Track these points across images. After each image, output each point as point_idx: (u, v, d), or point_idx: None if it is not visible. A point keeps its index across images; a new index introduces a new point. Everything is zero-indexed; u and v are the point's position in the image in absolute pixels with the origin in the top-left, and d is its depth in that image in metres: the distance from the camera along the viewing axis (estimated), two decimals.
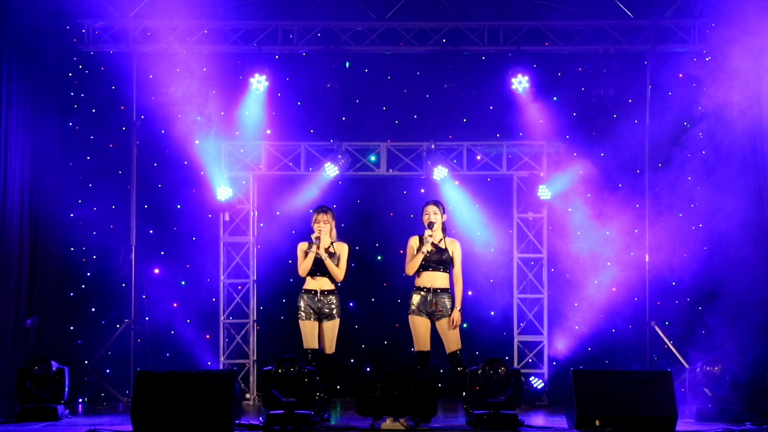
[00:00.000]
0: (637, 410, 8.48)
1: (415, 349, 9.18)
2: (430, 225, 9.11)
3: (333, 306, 9.32)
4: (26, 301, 10.96)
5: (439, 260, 9.10)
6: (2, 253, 10.58)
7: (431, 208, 9.20)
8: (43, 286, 11.44)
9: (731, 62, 10.68)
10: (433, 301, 9.08)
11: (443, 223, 9.24)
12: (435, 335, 9.16)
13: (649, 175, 12.11)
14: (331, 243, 9.44)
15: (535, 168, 12.00)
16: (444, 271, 9.14)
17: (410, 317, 9.17)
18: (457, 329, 9.07)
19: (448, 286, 9.15)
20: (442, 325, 9.10)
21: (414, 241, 9.23)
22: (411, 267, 9.16)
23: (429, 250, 9.09)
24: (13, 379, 9.85)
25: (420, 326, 9.11)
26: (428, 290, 9.11)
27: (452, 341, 9.08)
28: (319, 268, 9.32)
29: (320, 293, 9.32)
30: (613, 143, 12.01)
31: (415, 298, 9.15)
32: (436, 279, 9.12)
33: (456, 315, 9.06)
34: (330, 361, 9.37)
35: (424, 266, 9.13)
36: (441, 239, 9.17)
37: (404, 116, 12.49)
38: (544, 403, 11.63)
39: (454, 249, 9.18)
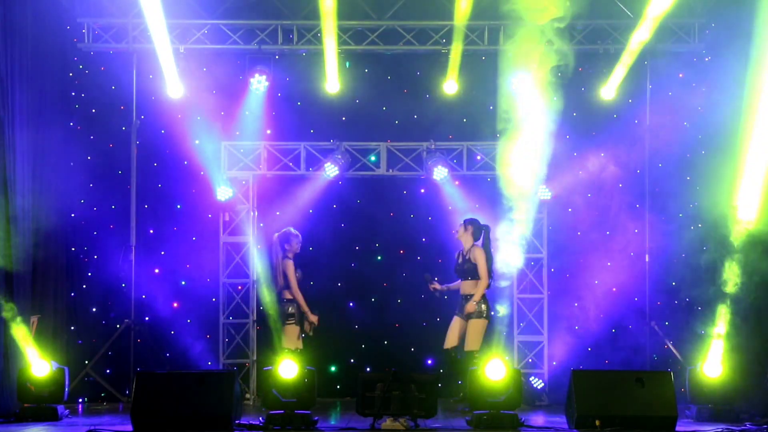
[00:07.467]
0: (637, 410, 8.49)
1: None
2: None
3: None
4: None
5: (465, 270, 10.21)
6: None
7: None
8: (44, 286, 11.43)
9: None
10: (464, 305, 10.21)
11: (472, 233, 10.31)
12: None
13: (649, 175, 12.11)
14: None
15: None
16: (471, 279, 10.19)
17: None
18: (480, 334, 10.04)
19: (473, 292, 10.16)
20: (467, 325, 10.13)
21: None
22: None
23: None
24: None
25: (452, 324, 10.30)
26: (462, 296, 10.29)
27: (470, 341, 10.05)
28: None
29: None
30: (613, 143, 12.01)
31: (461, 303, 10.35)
32: (465, 286, 10.27)
33: (470, 305, 10.08)
34: None
35: (459, 276, 10.37)
36: (469, 250, 10.25)
37: (404, 116, 12.48)
38: (544, 403, 11.62)
39: (477, 256, 10.16)
